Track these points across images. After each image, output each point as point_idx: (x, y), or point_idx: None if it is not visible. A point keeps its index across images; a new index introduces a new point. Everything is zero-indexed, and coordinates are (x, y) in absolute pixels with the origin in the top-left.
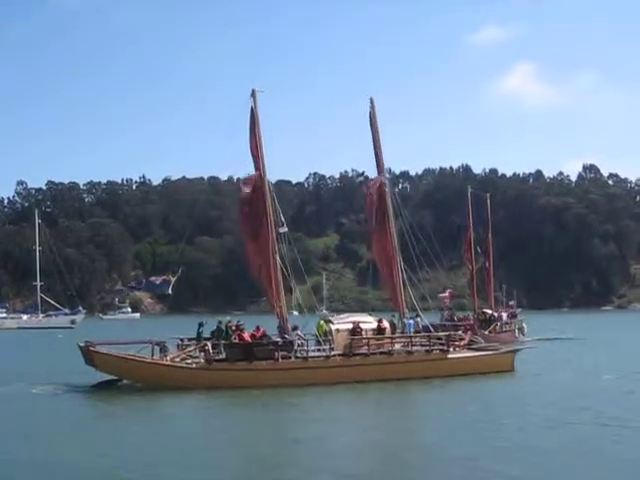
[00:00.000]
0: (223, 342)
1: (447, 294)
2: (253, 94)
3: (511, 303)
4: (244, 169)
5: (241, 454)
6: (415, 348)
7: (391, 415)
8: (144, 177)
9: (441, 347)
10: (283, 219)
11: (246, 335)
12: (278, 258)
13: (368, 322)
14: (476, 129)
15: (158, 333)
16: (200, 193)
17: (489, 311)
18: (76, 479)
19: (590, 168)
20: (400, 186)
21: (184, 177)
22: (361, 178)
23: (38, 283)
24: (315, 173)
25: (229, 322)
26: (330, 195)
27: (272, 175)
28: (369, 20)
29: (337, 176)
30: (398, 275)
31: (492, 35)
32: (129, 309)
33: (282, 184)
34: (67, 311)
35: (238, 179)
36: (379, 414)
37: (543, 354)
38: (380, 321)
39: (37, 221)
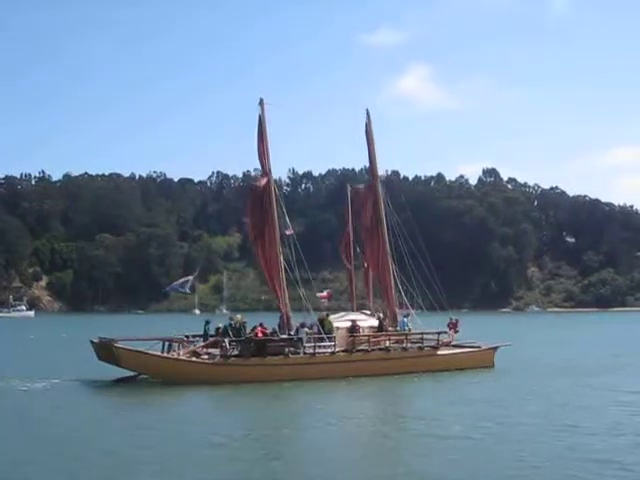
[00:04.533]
0: (237, 339)
1: (325, 294)
2: (261, 103)
3: None
4: (146, 167)
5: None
6: (409, 345)
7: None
8: (43, 172)
9: (432, 344)
10: (289, 222)
11: (259, 332)
12: (282, 259)
13: (364, 320)
14: (376, 130)
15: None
16: (101, 190)
17: (368, 312)
18: None
19: (490, 172)
20: (303, 186)
21: (85, 173)
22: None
23: None
24: (218, 172)
25: (242, 320)
26: (233, 194)
27: (176, 173)
28: (267, 24)
29: (240, 175)
30: (390, 277)
31: (387, 37)
32: (24, 307)
33: (185, 182)
34: None
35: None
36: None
37: None
38: None
39: None
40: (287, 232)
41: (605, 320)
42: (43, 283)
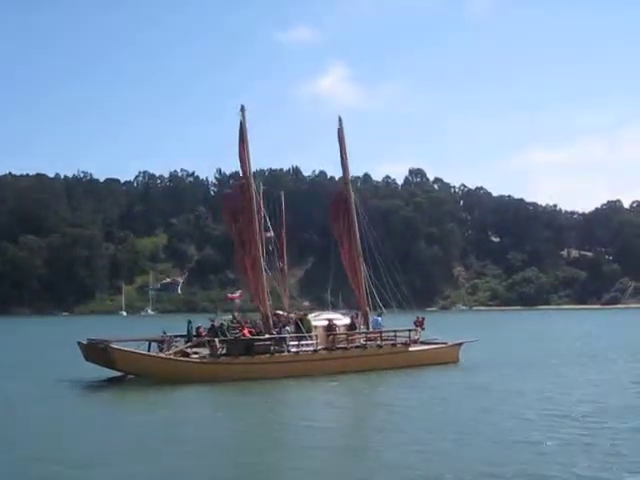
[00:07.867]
0: (224, 338)
1: (237, 294)
2: (242, 109)
3: (305, 304)
4: (71, 167)
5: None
6: (384, 342)
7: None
8: None
9: (404, 342)
10: (269, 224)
11: (246, 331)
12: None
13: (339, 319)
14: (298, 131)
15: None
16: (25, 190)
17: (281, 312)
18: None
19: (416, 172)
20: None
21: (9, 173)
22: (191, 178)
23: None
24: (145, 172)
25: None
26: (159, 194)
27: (102, 173)
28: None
29: (167, 175)
30: (362, 277)
31: (303, 36)
32: None
33: (110, 182)
34: None
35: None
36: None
37: None
38: None
39: None
40: (267, 234)
41: (534, 318)
42: None
